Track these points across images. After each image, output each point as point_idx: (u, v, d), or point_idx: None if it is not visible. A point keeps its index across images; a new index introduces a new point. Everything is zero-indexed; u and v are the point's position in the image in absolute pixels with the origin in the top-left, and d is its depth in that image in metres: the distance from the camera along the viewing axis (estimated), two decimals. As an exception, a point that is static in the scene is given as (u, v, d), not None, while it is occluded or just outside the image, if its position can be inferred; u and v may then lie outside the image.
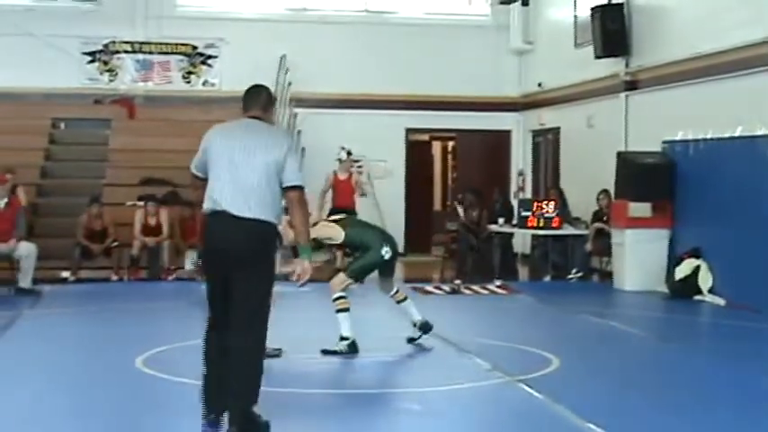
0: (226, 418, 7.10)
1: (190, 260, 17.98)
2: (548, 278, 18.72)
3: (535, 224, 18.79)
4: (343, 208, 17.13)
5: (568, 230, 18.75)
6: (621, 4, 19.02)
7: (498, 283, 17.65)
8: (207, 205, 7.25)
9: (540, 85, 23.19)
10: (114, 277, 18.09)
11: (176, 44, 23.33)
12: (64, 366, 10.30)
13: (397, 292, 11.36)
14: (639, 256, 16.67)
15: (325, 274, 15.53)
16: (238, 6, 23.46)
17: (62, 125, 22.72)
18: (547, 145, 23.29)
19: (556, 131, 22.63)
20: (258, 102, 7.53)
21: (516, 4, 23.53)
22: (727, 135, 15.22)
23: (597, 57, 19.43)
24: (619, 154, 17.50)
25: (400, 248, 12.01)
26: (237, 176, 7.14)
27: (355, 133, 21.81)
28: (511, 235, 20.45)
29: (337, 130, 21.61)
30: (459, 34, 23.94)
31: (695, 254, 15.74)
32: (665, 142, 16.93)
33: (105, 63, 23.08)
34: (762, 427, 7.94)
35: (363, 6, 24.08)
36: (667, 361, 11.21)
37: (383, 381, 10.23)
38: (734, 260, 15.04)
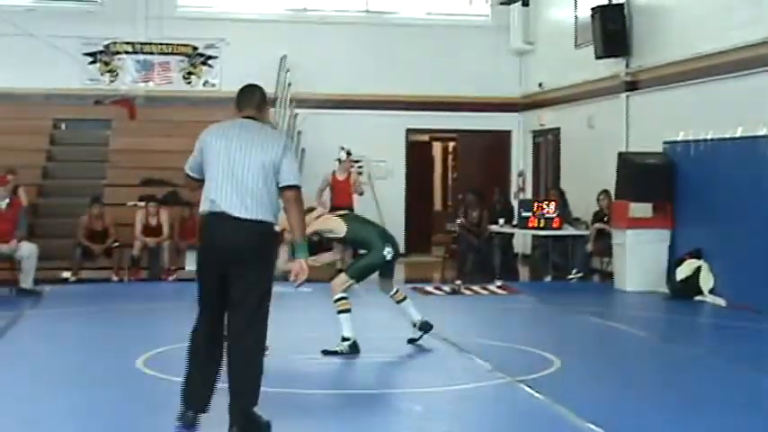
0: (201, 418, 7.14)
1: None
2: (548, 279, 18.71)
3: (536, 224, 18.79)
4: (341, 208, 17.12)
5: (569, 231, 18.75)
6: (622, 5, 19.03)
7: (499, 283, 17.64)
8: (204, 206, 7.25)
9: (540, 85, 23.20)
10: (115, 278, 18.11)
11: (177, 45, 23.33)
12: (64, 367, 10.30)
13: (396, 292, 11.35)
14: (640, 257, 16.66)
15: (325, 275, 15.58)
16: (239, 7, 23.46)
17: (63, 126, 22.73)
18: (547, 145, 23.30)
19: (556, 132, 22.63)
20: (252, 101, 7.53)
21: (516, 4, 23.55)
22: (728, 135, 15.20)
23: (598, 57, 19.44)
24: (619, 154, 17.49)
25: (401, 249, 11.96)
26: (234, 177, 7.14)
27: (356, 134, 21.82)
28: (511, 235, 20.47)
29: (338, 130, 21.60)
30: (459, 35, 23.95)
31: (696, 254, 15.73)
32: (665, 143, 16.92)
33: (106, 64, 23.09)
34: (763, 428, 7.94)
35: (364, 7, 24.09)
36: (668, 361, 11.21)
37: (384, 381, 10.23)
38: (735, 261, 15.03)
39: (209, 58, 23.37)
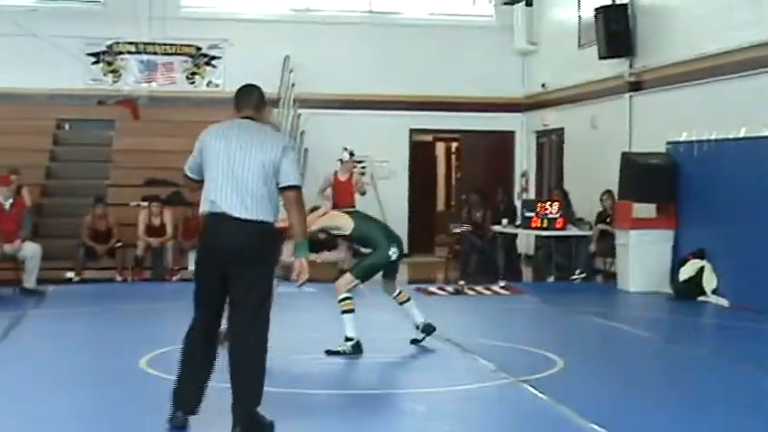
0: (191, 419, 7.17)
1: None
2: (551, 279, 18.70)
3: (539, 225, 18.78)
4: (343, 208, 17.08)
5: (572, 231, 18.74)
6: (625, 5, 19.03)
7: (502, 283, 17.64)
8: (204, 207, 7.25)
9: (543, 85, 23.20)
10: (118, 278, 18.12)
11: (180, 45, 23.33)
12: (68, 367, 10.31)
13: (399, 293, 11.34)
14: (643, 257, 16.65)
15: (328, 275, 15.58)
16: (242, 7, 23.47)
17: (66, 126, 22.76)
18: (551, 146, 23.30)
19: (560, 132, 22.63)
20: (250, 101, 7.53)
21: (520, 4, 23.55)
22: (731, 136, 15.19)
23: (601, 57, 19.44)
24: (623, 155, 17.47)
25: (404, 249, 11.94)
26: (234, 177, 7.14)
27: (359, 134, 21.80)
28: (515, 236, 20.47)
29: (341, 130, 21.59)
30: (462, 35, 23.95)
31: (699, 255, 15.72)
32: (669, 143, 16.90)
33: (109, 64, 23.10)
34: (766, 428, 7.94)
35: (367, 7, 24.09)
36: (671, 362, 11.21)
37: (387, 382, 10.23)
38: (738, 261, 15.03)
39: (213, 58, 23.38)
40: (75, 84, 22.63)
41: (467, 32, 24.02)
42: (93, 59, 22.99)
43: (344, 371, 10.34)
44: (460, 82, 23.41)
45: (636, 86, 19.01)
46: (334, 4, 23.92)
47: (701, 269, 15.57)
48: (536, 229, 19.00)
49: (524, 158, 24.48)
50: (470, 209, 20.59)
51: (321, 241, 11.51)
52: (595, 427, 7.58)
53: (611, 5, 19.14)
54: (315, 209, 11.48)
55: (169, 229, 18.27)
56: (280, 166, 7.22)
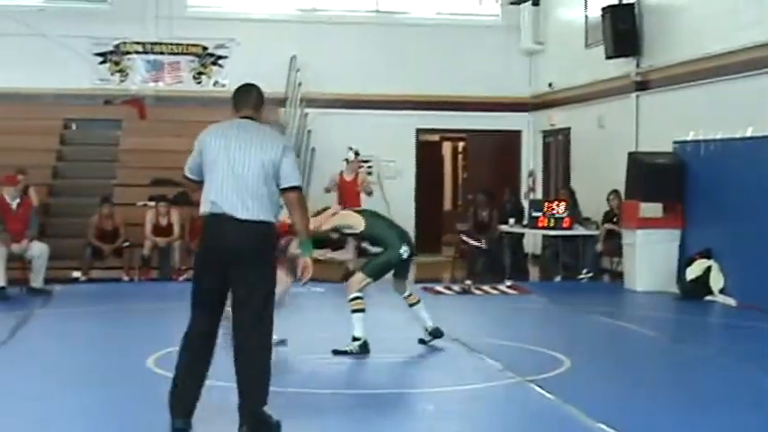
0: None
1: None
2: (558, 278, 18.69)
3: (546, 224, 18.77)
4: (348, 208, 17.06)
5: (579, 231, 18.73)
6: (632, 4, 19.01)
7: (509, 283, 17.63)
8: (204, 207, 7.24)
9: (550, 85, 23.18)
10: (125, 277, 18.14)
11: (187, 45, 23.35)
12: (75, 366, 10.32)
13: (410, 294, 11.32)
14: (650, 257, 16.64)
15: (336, 275, 15.60)
16: (249, 7, 23.48)
17: (73, 126, 22.77)
18: (557, 145, 23.28)
19: (566, 132, 22.62)
20: (249, 101, 7.52)
21: (527, 4, 23.53)
22: (738, 135, 15.18)
23: (608, 57, 19.42)
24: (630, 154, 17.47)
25: (412, 248, 11.92)
26: (234, 177, 7.13)
27: (366, 134, 21.79)
28: (521, 235, 20.45)
29: (347, 130, 21.56)
30: (469, 34, 23.94)
31: (706, 254, 15.71)
32: (675, 142, 16.89)
33: (116, 63, 23.12)
34: (773, 428, 7.95)
35: (374, 7, 24.08)
36: (678, 361, 11.21)
37: (395, 381, 10.22)
38: (745, 260, 15.01)
39: (220, 58, 23.39)
40: (82, 83, 22.65)
41: (473, 32, 24.01)
42: (100, 59, 23.01)
43: (352, 370, 10.34)
44: (467, 82, 23.39)
45: (643, 86, 18.99)
46: (341, 3, 23.93)
47: (708, 269, 15.56)
48: (543, 228, 18.99)
49: (531, 158, 24.46)
50: (477, 208, 20.56)
51: (328, 240, 11.52)
52: (602, 426, 7.58)
53: (617, 5, 19.12)
54: (326, 209, 11.49)
55: (176, 229, 18.28)
56: (279, 166, 7.21)
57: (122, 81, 23.14)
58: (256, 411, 7.09)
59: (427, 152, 25.62)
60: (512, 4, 23.75)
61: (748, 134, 14.95)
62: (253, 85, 7.64)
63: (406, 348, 11.13)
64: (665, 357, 11.71)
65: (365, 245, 11.45)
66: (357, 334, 10.69)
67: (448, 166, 29.97)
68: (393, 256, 10.93)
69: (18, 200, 16.33)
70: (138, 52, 23.21)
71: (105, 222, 18.16)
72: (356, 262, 13.30)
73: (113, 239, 18.10)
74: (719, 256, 15.59)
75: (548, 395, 8.76)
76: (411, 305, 11.29)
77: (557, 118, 22.96)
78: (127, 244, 18.22)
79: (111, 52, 23.07)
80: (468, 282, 17.29)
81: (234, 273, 7.11)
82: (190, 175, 7.47)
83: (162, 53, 23.29)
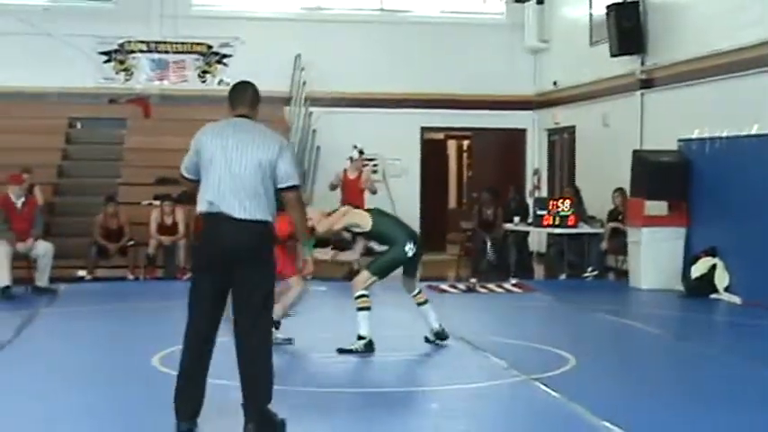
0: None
1: None
2: (563, 277, 18.69)
3: (551, 223, 18.79)
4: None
5: (584, 229, 18.74)
6: (637, 2, 18.99)
7: (514, 281, 17.63)
8: (201, 207, 7.22)
9: (555, 83, 23.18)
10: (130, 276, 18.16)
11: (191, 43, 23.37)
12: (80, 365, 10.34)
13: (419, 292, 11.30)
14: (655, 255, 16.63)
15: (340, 274, 15.61)
16: (253, 5, 23.49)
17: (78, 124, 22.80)
18: (562, 143, 23.28)
19: (571, 130, 22.61)
20: (245, 99, 7.49)
21: (531, 2, 23.53)
22: (743, 133, 15.17)
23: (613, 55, 19.42)
24: (634, 152, 17.46)
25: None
26: (231, 176, 7.11)
27: (370, 132, 21.77)
28: (526, 233, 20.45)
29: (352, 128, 21.53)
30: (474, 33, 23.93)
31: (711, 252, 15.71)
32: (680, 140, 16.88)
33: (121, 62, 23.14)
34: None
35: (378, 5, 24.07)
36: (683, 359, 11.21)
37: (400, 379, 10.21)
38: (750, 258, 15.00)
39: (224, 56, 23.39)
40: (87, 82, 22.67)
41: (478, 30, 24.00)
42: (105, 58, 23.03)
43: (357, 369, 10.34)
44: (472, 80, 23.38)
45: (647, 84, 18.98)
46: (346, 2, 23.94)
47: (713, 266, 15.56)
48: (548, 226, 19.00)
49: (536, 156, 24.46)
50: (482, 207, 20.58)
51: (334, 240, 11.54)
52: (607, 424, 7.58)
53: (622, 3, 19.10)
54: (334, 211, 11.51)
55: (181, 228, 18.29)
56: (277, 165, 7.18)
57: (127, 80, 23.16)
58: (261, 410, 7.09)
59: (432, 150, 25.62)
60: (516, 2, 23.73)
61: (754, 132, 14.95)
62: (249, 83, 7.61)
63: (411, 347, 11.13)
64: (669, 355, 11.71)
65: (372, 244, 11.46)
66: (362, 332, 10.68)
67: (453, 165, 29.99)
68: (398, 254, 10.91)
69: (23, 199, 16.34)
70: (142, 51, 23.23)
71: (110, 221, 18.19)
72: (361, 260, 13.29)
73: (118, 238, 18.12)
74: (725, 254, 15.59)
75: (553, 393, 8.75)
76: (419, 304, 11.27)
77: (561, 116, 22.95)
78: (132, 243, 18.25)
79: (116, 51, 23.09)
80: (473, 280, 17.27)
81: (234, 273, 7.10)
82: (186, 175, 7.47)
83: (167, 52, 23.32)
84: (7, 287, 15.31)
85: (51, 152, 21.44)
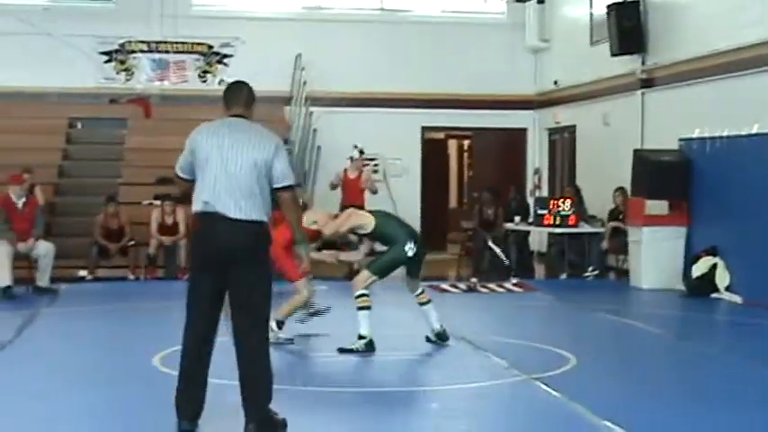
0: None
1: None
2: (564, 276, 18.68)
3: (551, 222, 18.79)
4: (351, 206, 17.03)
5: (585, 228, 18.74)
6: (637, 2, 18.98)
7: (515, 281, 17.62)
8: (197, 207, 7.21)
9: (555, 83, 23.18)
10: (131, 276, 18.16)
11: (192, 43, 23.37)
12: (81, 365, 10.34)
13: (422, 292, 11.30)
14: (656, 254, 16.62)
15: (339, 273, 15.60)
16: (254, 5, 23.49)
17: (79, 124, 22.80)
18: (563, 143, 23.28)
19: (572, 129, 22.61)
20: (240, 99, 7.46)
21: (532, 1, 23.53)
22: (744, 132, 15.17)
23: (613, 54, 19.42)
24: (635, 152, 17.45)
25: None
26: (227, 176, 7.10)
27: (371, 132, 21.78)
28: (527, 233, 20.44)
29: (353, 128, 21.53)
30: (474, 32, 23.92)
31: (712, 251, 15.70)
32: (681, 140, 16.88)
33: (121, 62, 23.14)
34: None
35: (378, 5, 24.07)
36: (683, 359, 11.20)
37: (400, 379, 10.21)
38: (751, 258, 15.00)
39: (225, 56, 23.40)
40: (88, 82, 22.67)
41: (478, 30, 23.99)
42: (106, 58, 23.04)
43: (358, 368, 10.35)
44: (472, 79, 23.38)
45: (648, 83, 18.98)
46: (346, 2, 23.95)
47: (714, 266, 15.55)
48: (549, 226, 19.00)
49: (536, 156, 24.45)
50: (482, 206, 20.58)
51: (340, 243, 11.62)
52: (608, 424, 7.58)
53: (623, 2, 19.09)
54: (337, 216, 11.54)
55: (182, 228, 18.27)
56: (272, 164, 7.18)
57: (128, 80, 23.16)
58: (262, 410, 7.10)
59: (433, 150, 25.62)
60: (517, 1, 23.72)
61: (754, 131, 14.94)
62: (243, 83, 7.59)
63: (411, 346, 11.13)
64: (670, 355, 11.71)
65: (376, 245, 11.48)
66: (363, 332, 10.68)
67: (453, 164, 30.00)
68: (398, 254, 10.92)
69: (24, 199, 16.34)
70: (143, 51, 23.24)
71: (111, 221, 18.19)
72: (362, 260, 13.29)
73: (119, 238, 18.11)
74: (725, 254, 15.58)
75: (553, 393, 8.75)
76: (421, 304, 11.28)
77: (562, 116, 22.95)
78: (132, 243, 18.25)
79: (117, 51, 23.09)
80: (474, 279, 17.27)
81: (231, 274, 7.10)
82: (182, 174, 7.45)
83: (167, 52, 23.32)
84: (8, 287, 15.31)
85: (52, 152, 21.44)
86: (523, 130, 24.66)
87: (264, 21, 23.23)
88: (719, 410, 8.29)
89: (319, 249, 11.45)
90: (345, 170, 19.02)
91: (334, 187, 18.99)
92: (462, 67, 23.47)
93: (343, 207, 17.61)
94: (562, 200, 19.02)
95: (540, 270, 20.88)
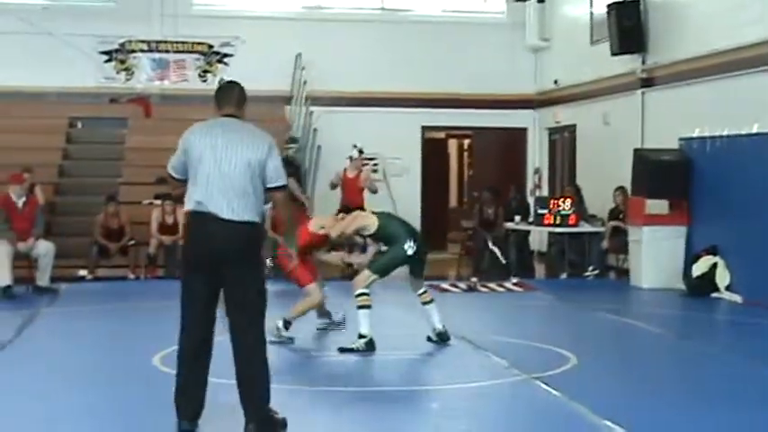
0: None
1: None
2: (564, 276, 18.68)
3: (552, 222, 18.78)
4: (351, 205, 17.05)
5: (585, 228, 18.73)
6: (637, 1, 18.98)
7: (515, 280, 17.62)
8: (189, 206, 7.21)
9: (556, 82, 23.17)
10: (131, 276, 18.15)
11: (192, 43, 23.36)
12: (81, 364, 10.34)
13: (424, 292, 11.30)
14: (656, 254, 16.62)
15: (338, 273, 15.60)
16: (254, 5, 23.49)
17: (79, 124, 22.80)
18: (563, 142, 23.27)
19: (572, 129, 22.61)
20: (231, 99, 7.47)
21: (532, 1, 23.52)
22: (744, 132, 15.17)
23: (613, 54, 19.41)
24: (635, 151, 17.45)
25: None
26: (221, 176, 7.10)
27: (371, 131, 21.76)
28: (527, 232, 20.43)
29: (353, 128, 21.51)
30: (474, 32, 23.92)
31: (712, 251, 15.70)
32: (681, 139, 16.88)
33: (122, 62, 23.13)
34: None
35: (379, 4, 24.07)
36: (684, 358, 11.20)
37: (401, 378, 10.21)
38: (751, 257, 14.99)
39: (225, 56, 23.39)
40: (88, 82, 22.66)
41: (478, 29, 23.99)
42: (106, 57, 23.02)
43: (358, 367, 10.34)
44: (472, 79, 23.37)
45: (648, 83, 18.97)
46: (346, 1, 23.94)
47: (714, 265, 15.55)
48: (549, 225, 18.99)
49: (537, 155, 24.45)
50: (482, 206, 20.57)
51: (347, 245, 11.68)
52: (609, 423, 7.57)
53: (623, 2, 19.08)
54: (343, 218, 11.58)
55: (182, 228, 18.25)
56: (266, 164, 7.18)
57: (128, 79, 23.15)
58: (261, 409, 7.09)
59: (433, 149, 25.61)
60: (517, 1, 23.74)
61: (754, 131, 14.94)
62: (235, 83, 7.62)
63: (412, 345, 11.13)
64: (670, 354, 11.71)
65: (380, 245, 11.50)
66: (363, 331, 10.68)
67: (453, 164, 29.99)
68: (398, 253, 10.93)
69: (24, 198, 16.34)
70: (143, 50, 23.23)
71: (111, 221, 18.18)
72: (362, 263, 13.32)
73: (119, 238, 18.11)
74: (725, 253, 15.58)
75: (554, 392, 8.75)
76: (423, 303, 11.28)
77: (562, 115, 22.94)
78: (133, 242, 18.24)
79: (117, 50, 23.09)
80: (474, 279, 17.27)
81: (225, 274, 7.09)
82: (174, 174, 7.45)
83: (167, 51, 23.31)
84: (8, 287, 15.32)
85: (52, 152, 21.44)
86: (524, 130, 24.65)
87: (265, 20, 23.22)
88: (720, 409, 8.29)
89: (328, 251, 11.50)
90: (345, 169, 19.01)
91: (333, 187, 18.99)
92: (462, 66, 23.47)
93: (343, 206, 17.65)
94: (562, 199, 19.01)
95: (540, 269, 20.88)
